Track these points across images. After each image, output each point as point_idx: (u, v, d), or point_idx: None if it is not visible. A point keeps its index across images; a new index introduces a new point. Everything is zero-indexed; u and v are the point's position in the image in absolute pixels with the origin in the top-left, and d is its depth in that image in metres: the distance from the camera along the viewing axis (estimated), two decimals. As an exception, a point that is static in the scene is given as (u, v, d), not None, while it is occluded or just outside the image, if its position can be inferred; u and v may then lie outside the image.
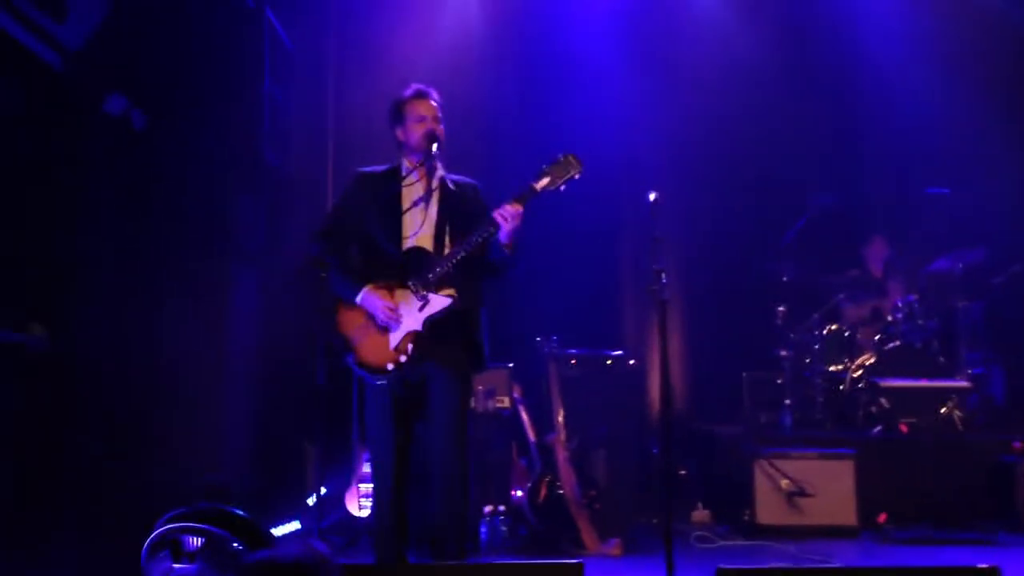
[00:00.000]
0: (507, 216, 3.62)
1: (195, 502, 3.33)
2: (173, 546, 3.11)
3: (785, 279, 6.81)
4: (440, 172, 3.93)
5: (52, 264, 4.54)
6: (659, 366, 7.06)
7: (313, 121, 6.94)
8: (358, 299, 3.77)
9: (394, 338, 3.73)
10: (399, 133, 3.94)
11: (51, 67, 4.51)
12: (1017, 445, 5.78)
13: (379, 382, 3.75)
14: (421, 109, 3.88)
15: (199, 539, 3.11)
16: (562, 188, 3.68)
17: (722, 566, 2.76)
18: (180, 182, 5.05)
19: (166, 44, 5.02)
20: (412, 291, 3.72)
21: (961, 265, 6.63)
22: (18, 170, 4.40)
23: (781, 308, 6.66)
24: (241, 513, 3.22)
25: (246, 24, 5.32)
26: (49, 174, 4.60)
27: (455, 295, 3.73)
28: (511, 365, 5.79)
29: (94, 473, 4.56)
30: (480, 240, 3.68)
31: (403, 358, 3.69)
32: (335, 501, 5.46)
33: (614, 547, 5.16)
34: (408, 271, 3.75)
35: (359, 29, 7.08)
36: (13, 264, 4.36)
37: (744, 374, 6.97)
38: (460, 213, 3.80)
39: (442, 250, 3.79)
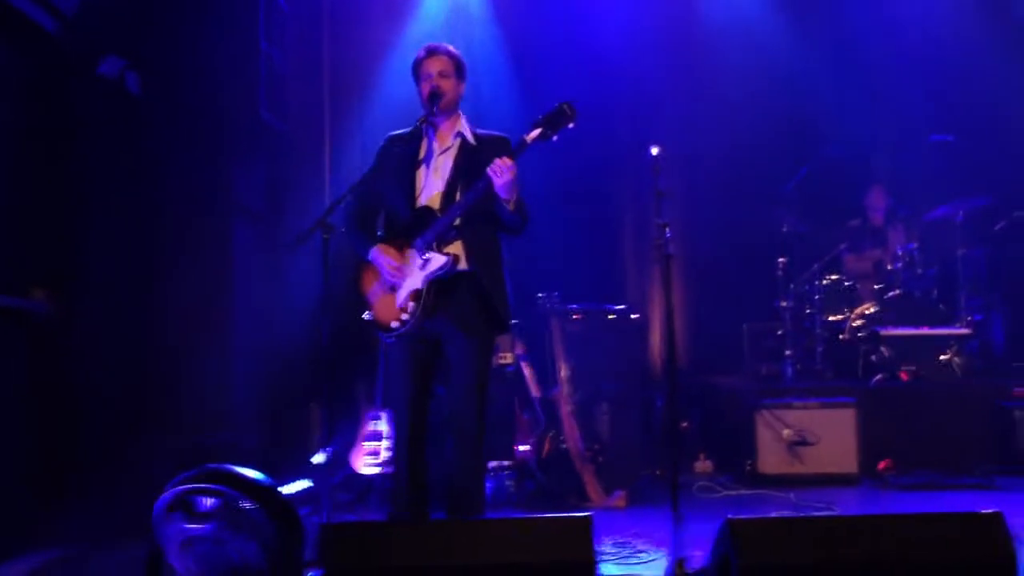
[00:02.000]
0: (497, 171, 3.56)
1: (206, 463, 3.37)
2: (186, 506, 3.15)
3: (785, 229, 6.80)
4: (460, 127, 3.89)
5: (52, 227, 4.55)
6: (663, 320, 7.17)
7: (309, 80, 6.89)
8: (370, 257, 3.82)
9: (400, 297, 3.76)
10: (419, 92, 3.91)
11: (47, 31, 4.48)
12: (1018, 391, 5.82)
13: (388, 340, 3.80)
14: (429, 66, 3.84)
15: (212, 499, 3.14)
16: (555, 138, 3.63)
17: (731, 516, 2.80)
18: (177, 142, 5.05)
19: (160, 5, 4.99)
20: (416, 250, 3.74)
21: (962, 212, 6.61)
22: (16, 134, 4.39)
23: (781, 259, 6.66)
24: (252, 473, 3.26)
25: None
26: (47, 137, 4.59)
27: (457, 253, 3.72)
28: (515, 322, 5.80)
29: (104, 434, 4.61)
30: (474, 198, 3.66)
31: (406, 316, 3.71)
32: (341, 459, 5.51)
33: (619, 499, 5.22)
34: (416, 231, 3.76)
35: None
36: (14, 228, 4.37)
37: (744, 326, 6.99)
38: (479, 170, 3.68)
39: (449, 209, 3.77)
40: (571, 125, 3.62)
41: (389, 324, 3.74)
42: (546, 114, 3.63)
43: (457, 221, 3.72)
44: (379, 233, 3.97)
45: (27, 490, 4.26)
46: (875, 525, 2.84)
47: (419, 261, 3.73)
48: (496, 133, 3.95)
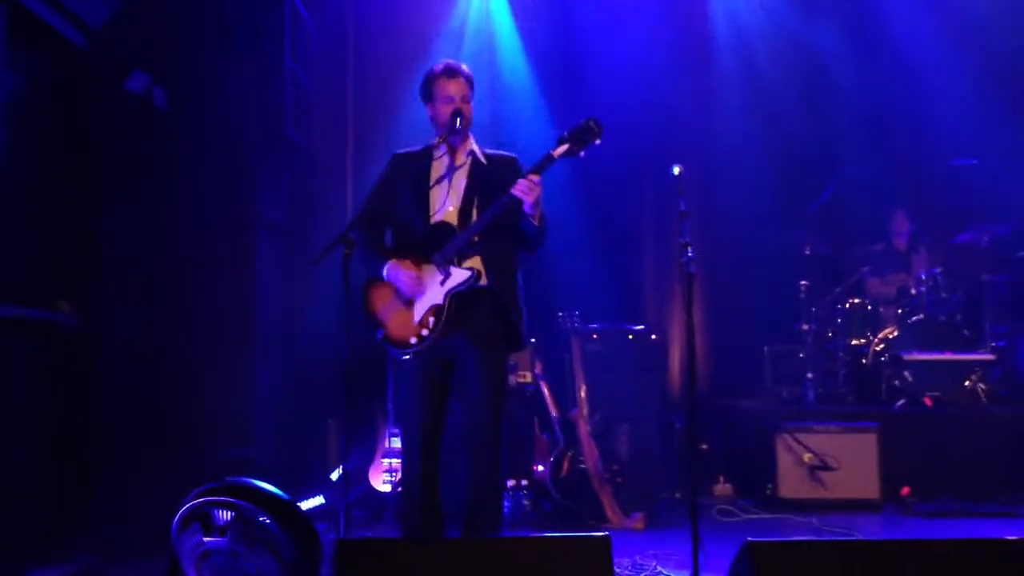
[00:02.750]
0: (523, 188, 3.60)
1: (224, 476, 3.37)
2: (203, 520, 3.15)
3: (808, 252, 6.76)
4: (471, 146, 3.92)
5: (78, 241, 4.59)
6: (684, 340, 7.12)
7: (333, 99, 6.94)
8: (384, 273, 3.78)
9: (418, 312, 3.74)
10: (429, 110, 3.93)
11: (74, 45, 4.54)
12: (1043, 418, 5.75)
13: (404, 356, 3.77)
14: (450, 88, 3.85)
15: (229, 513, 3.14)
16: (582, 154, 3.66)
17: (752, 539, 2.76)
18: (203, 156, 5.08)
19: (187, 22, 5.04)
20: (435, 265, 3.73)
21: (986, 237, 6.57)
22: (43, 147, 4.44)
23: (804, 282, 6.62)
24: (270, 487, 3.25)
25: (268, 4, 5.31)
26: (74, 150, 4.64)
27: (478, 269, 3.73)
28: (533, 340, 5.80)
29: (124, 447, 4.63)
30: (496, 214, 3.68)
31: (425, 332, 3.70)
32: (359, 475, 5.51)
33: (637, 521, 5.18)
34: (433, 246, 3.76)
35: (376, 7, 7.06)
36: (41, 241, 4.41)
37: (765, 348, 6.93)
38: (491, 187, 3.74)
39: (467, 225, 3.79)
40: (597, 142, 3.65)
41: (408, 340, 3.73)
42: (572, 130, 3.65)
43: (476, 237, 3.73)
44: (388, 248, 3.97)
45: (47, 502, 4.28)
46: (898, 550, 2.80)
47: (439, 276, 3.73)
48: (504, 153, 4.00)
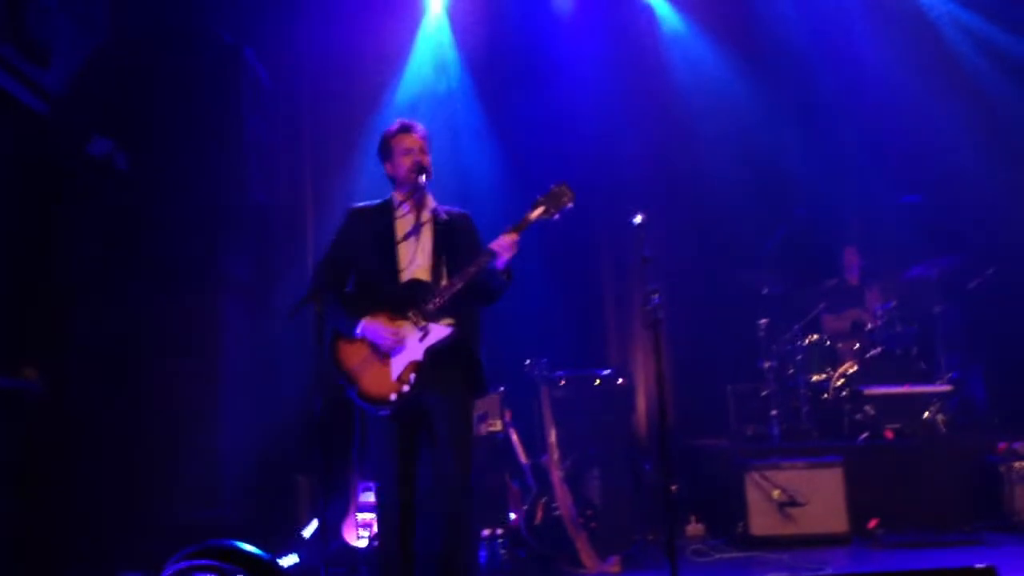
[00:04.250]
0: (505, 246, 3.71)
1: (203, 538, 3.34)
2: (186, 584, 3.12)
3: (765, 291, 6.89)
4: (431, 203, 3.99)
5: (44, 305, 4.56)
6: (647, 384, 7.23)
7: (291, 154, 6.98)
8: (358, 331, 3.79)
9: (396, 368, 3.76)
10: (388, 168, 4.00)
11: (36, 112, 4.55)
12: (1001, 446, 5.89)
13: (382, 413, 3.78)
14: (407, 142, 3.94)
15: (212, 576, 3.12)
16: (556, 217, 3.80)
17: (732, 578, 2.81)
18: (166, 218, 5.09)
19: (147, 85, 5.08)
20: (412, 322, 3.76)
21: (937, 271, 6.75)
22: (7, 213, 4.43)
23: (763, 320, 6.75)
24: (251, 548, 3.24)
25: (225, 63, 5.37)
26: (35, 215, 4.63)
27: (455, 324, 3.78)
28: (502, 389, 5.84)
29: (94, 511, 4.56)
30: (478, 270, 3.75)
31: (406, 388, 3.73)
32: (333, 531, 5.46)
33: (613, 565, 5.20)
34: (406, 303, 3.79)
35: (331, 64, 7.14)
36: (4, 307, 4.38)
37: (729, 387, 7.02)
38: (453, 243, 3.87)
39: (439, 281, 3.84)
40: (570, 205, 3.80)
41: (387, 397, 3.75)
42: (545, 194, 3.81)
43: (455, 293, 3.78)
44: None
45: (19, 570, 4.20)
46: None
47: (417, 332, 3.76)
48: (457, 209, 4.08)
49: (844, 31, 7.60)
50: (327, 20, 7.06)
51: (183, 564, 3.11)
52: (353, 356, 3.82)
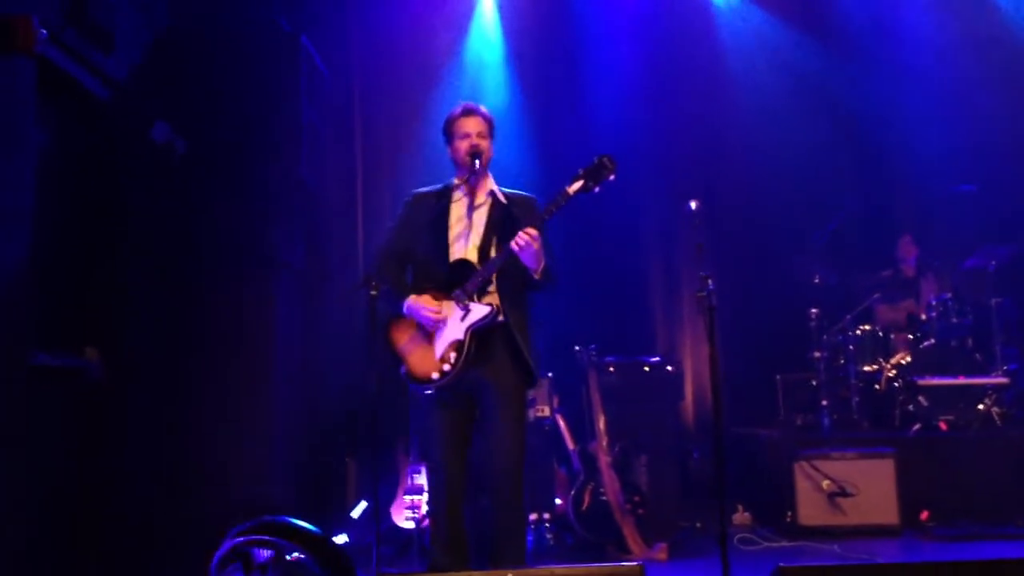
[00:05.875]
0: (521, 243, 3.67)
1: (257, 516, 3.41)
2: (244, 559, 3.19)
3: (817, 281, 6.84)
4: (490, 186, 4.01)
5: (104, 289, 4.67)
6: (702, 371, 7.21)
7: (342, 141, 7.06)
8: (404, 308, 3.87)
9: (439, 348, 3.81)
10: (449, 151, 4.03)
11: (99, 97, 4.64)
12: (1057, 439, 5.80)
13: (427, 391, 3.84)
14: (467, 126, 3.96)
15: (268, 551, 3.19)
16: (596, 190, 3.73)
17: (783, 564, 2.81)
18: (221, 202, 5.17)
19: (207, 72, 5.15)
20: (455, 301, 3.81)
21: (993, 262, 6.64)
22: (69, 197, 4.54)
23: (814, 310, 6.69)
24: (307, 525, 3.31)
25: (284, 51, 5.43)
26: (97, 200, 4.74)
27: (496, 305, 3.80)
28: (550, 375, 5.87)
29: (151, 490, 4.67)
30: (502, 260, 3.77)
31: (447, 367, 3.77)
32: (382, 512, 5.54)
33: (660, 551, 5.22)
34: (453, 283, 3.84)
35: (381, 51, 7.21)
36: (68, 290, 4.49)
37: (778, 377, 6.99)
38: (511, 226, 3.82)
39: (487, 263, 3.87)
40: (612, 177, 3.73)
41: (429, 376, 3.80)
42: (587, 167, 3.74)
43: (492, 277, 3.82)
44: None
45: (74, 549, 4.32)
46: (929, 572, 2.85)
47: (459, 312, 3.81)
48: (523, 193, 4.08)
49: (902, 10, 7.48)
50: (380, 7, 7.12)
51: (240, 539, 3.19)
52: (402, 335, 3.91)
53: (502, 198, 3.99)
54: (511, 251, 3.70)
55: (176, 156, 5.03)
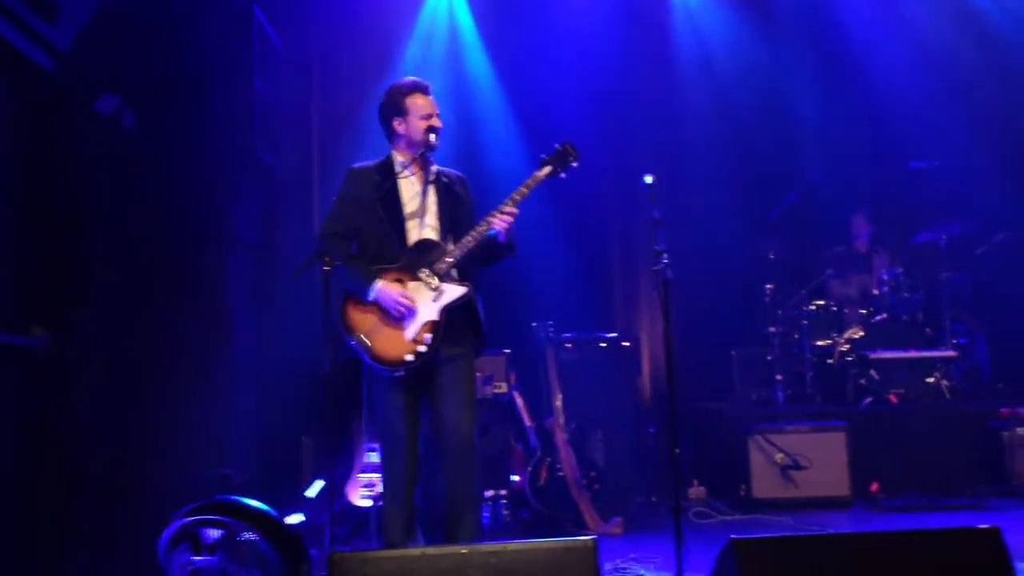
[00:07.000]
0: (505, 218, 3.77)
1: (210, 495, 3.38)
2: (193, 539, 3.17)
3: (772, 256, 6.89)
4: (434, 165, 3.99)
5: (51, 264, 4.57)
6: (657, 347, 7.24)
7: (298, 117, 6.97)
8: (372, 295, 3.79)
9: (411, 329, 3.77)
10: (397, 124, 3.96)
11: (43, 68, 4.52)
12: (1004, 411, 5.91)
13: (397, 374, 3.79)
14: (425, 105, 3.93)
15: (218, 531, 3.16)
16: (563, 175, 3.88)
17: (735, 536, 2.84)
18: (174, 178, 5.08)
19: (156, 43, 5.04)
20: (424, 282, 3.78)
21: (945, 237, 6.74)
22: (12, 170, 4.42)
23: (769, 285, 6.75)
24: (258, 504, 3.28)
25: (235, 22, 5.34)
26: (43, 173, 4.62)
27: (466, 284, 3.81)
28: (508, 351, 5.86)
29: (102, 469, 4.60)
30: (479, 242, 3.81)
31: (422, 348, 3.74)
32: (336, 491, 5.51)
33: (615, 526, 5.25)
34: (416, 262, 3.80)
35: (341, 29, 7.11)
36: (12, 265, 4.39)
37: (733, 352, 7.05)
38: (455, 205, 3.91)
39: (446, 241, 3.86)
40: (575, 164, 3.86)
41: (402, 358, 3.75)
42: (551, 154, 3.85)
43: (459, 256, 3.82)
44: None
45: (26, 528, 4.24)
46: (878, 542, 2.89)
47: (429, 292, 3.78)
48: (454, 171, 4.11)
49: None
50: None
51: (189, 519, 3.16)
52: (365, 318, 3.82)
53: (444, 176, 4.00)
54: (487, 233, 3.77)
55: (124, 129, 4.92)
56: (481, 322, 3.91)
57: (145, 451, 4.80)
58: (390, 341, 3.77)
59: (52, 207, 4.62)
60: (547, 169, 3.85)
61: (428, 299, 3.78)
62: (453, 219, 3.90)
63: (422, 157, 3.93)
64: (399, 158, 3.96)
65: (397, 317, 3.78)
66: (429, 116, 3.91)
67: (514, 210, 3.78)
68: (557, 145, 3.87)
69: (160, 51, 4.97)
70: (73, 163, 4.73)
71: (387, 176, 3.91)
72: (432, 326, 3.75)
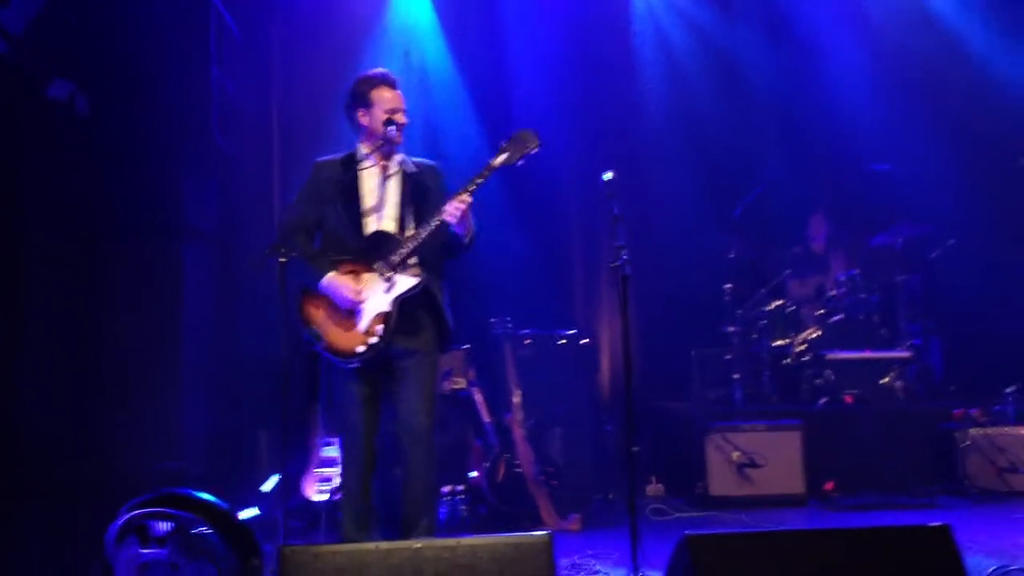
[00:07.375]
0: (453, 212, 3.69)
1: (159, 488, 3.32)
2: (140, 531, 3.11)
3: (732, 256, 6.92)
4: (399, 155, 3.95)
5: (0, 254, 4.46)
6: (616, 344, 7.25)
7: (259, 108, 6.89)
8: (320, 287, 3.78)
9: (363, 321, 3.75)
10: (361, 116, 3.93)
11: (-7, 51, 4.42)
12: (957, 413, 5.99)
13: (351, 366, 3.76)
14: (395, 99, 3.90)
15: (167, 524, 3.10)
16: (520, 163, 3.79)
17: (689, 532, 2.84)
18: (127, 165, 5.00)
19: (111, 29, 4.95)
20: (378, 273, 3.74)
21: (900, 239, 6.81)
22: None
23: (728, 285, 6.78)
24: (208, 497, 3.23)
25: (192, 8, 5.25)
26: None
27: (421, 275, 3.77)
28: (467, 347, 5.83)
29: (53, 464, 4.51)
30: (431, 234, 3.75)
31: (373, 340, 3.71)
32: (292, 486, 5.45)
33: (573, 522, 5.25)
34: (372, 254, 3.77)
35: (302, 19, 7.03)
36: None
37: (693, 351, 7.06)
38: (422, 195, 3.86)
39: (403, 232, 3.83)
40: (535, 151, 3.76)
41: (353, 350, 3.73)
42: (510, 139, 3.77)
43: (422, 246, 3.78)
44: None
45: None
46: (830, 539, 2.91)
47: (382, 284, 3.74)
48: (426, 161, 4.06)
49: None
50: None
51: (136, 512, 3.10)
52: (319, 310, 3.81)
53: (411, 167, 3.95)
54: (445, 222, 3.68)
55: (78, 115, 4.83)
56: (444, 315, 3.87)
57: (93, 447, 4.71)
58: (343, 332, 3.75)
59: (2, 194, 4.52)
60: (503, 157, 3.77)
61: (380, 290, 3.75)
62: (419, 211, 3.86)
63: (383, 148, 3.89)
64: (363, 150, 3.93)
65: (347, 309, 3.74)
66: (393, 111, 3.87)
67: (468, 199, 3.71)
68: (516, 131, 3.80)
69: (115, 36, 4.89)
70: (25, 149, 4.63)
71: (350, 168, 3.88)
72: (384, 317, 3.72)
